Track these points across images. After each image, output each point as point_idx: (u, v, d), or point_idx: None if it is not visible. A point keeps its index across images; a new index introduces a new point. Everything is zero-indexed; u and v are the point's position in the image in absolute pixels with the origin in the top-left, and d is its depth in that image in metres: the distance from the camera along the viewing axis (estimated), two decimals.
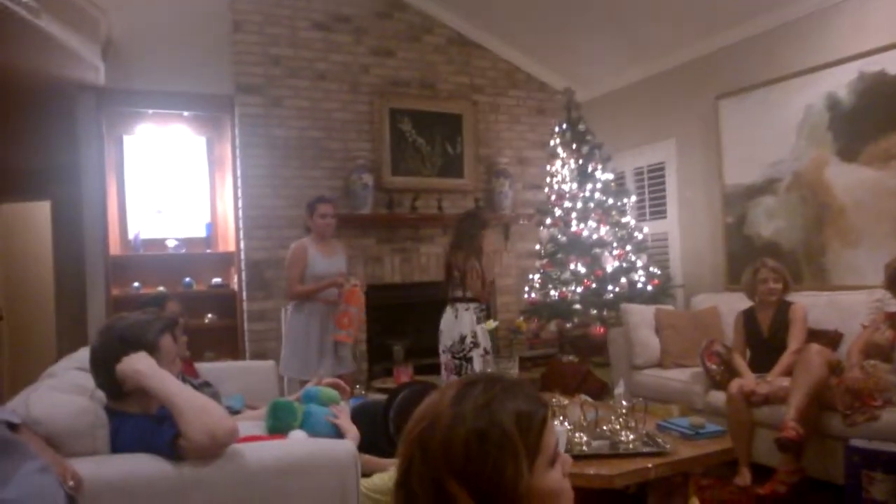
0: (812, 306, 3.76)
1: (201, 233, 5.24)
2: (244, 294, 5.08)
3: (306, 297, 4.06)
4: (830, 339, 3.63)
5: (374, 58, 5.57)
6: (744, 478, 3.35)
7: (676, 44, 5.11)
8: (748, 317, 3.87)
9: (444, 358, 4.41)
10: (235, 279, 5.21)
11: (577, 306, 4.92)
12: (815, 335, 3.63)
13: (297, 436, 2.17)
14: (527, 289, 5.40)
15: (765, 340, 3.74)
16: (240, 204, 5.10)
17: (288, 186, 5.17)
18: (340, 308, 4.01)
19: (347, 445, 1.98)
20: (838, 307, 3.77)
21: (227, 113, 5.21)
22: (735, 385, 3.52)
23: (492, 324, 4.51)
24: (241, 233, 5.09)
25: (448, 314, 4.41)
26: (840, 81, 4.07)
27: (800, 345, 3.46)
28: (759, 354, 3.75)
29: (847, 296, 3.82)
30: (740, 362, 3.72)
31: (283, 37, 5.23)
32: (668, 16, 4.84)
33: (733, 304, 4.15)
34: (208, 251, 5.26)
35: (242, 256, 5.09)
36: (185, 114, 5.22)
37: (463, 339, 4.32)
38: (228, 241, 5.30)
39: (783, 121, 4.40)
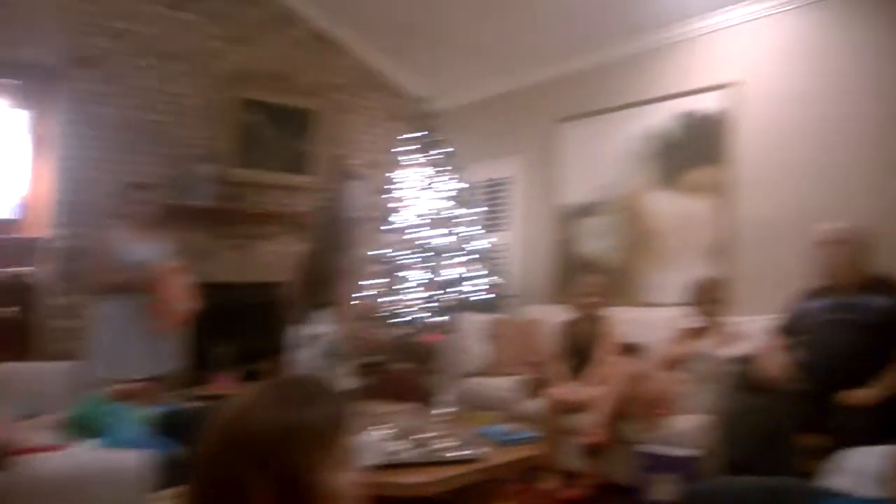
0: (623, 321, 4.02)
1: (11, 215, 4.75)
2: (51, 286, 4.55)
3: (118, 288, 3.67)
4: (637, 351, 3.89)
5: (229, 44, 5.32)
6: (551, 482, 3.49)
7: (528, 65, 5.34)
8: (568, 328, 4.07)
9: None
10: (41, 268, 4.69)
11: (416, 314, 4.94)
12: (625, 347, 3.88)
13: (85, 446, 2.00)
14: (365, 294, 5.36)
15: (580, 351, 3.94)
16: (61, 186, 4.62)
17: (118, 172, 4.72)
18: (156, 297, 3.71)
19: (136, 457, 1.84)
20: (645, 322, 4.05)
21: (55, 86, 4.73)
22: (550, 393, 3.68)
23: (332, 329, 4.41)
24: (59, 218, 4.61)
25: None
26: (663, 116, 4.43)
27: (609, 356, 3.68)
28: (575, 364, 3.94)
29: (654, 312, 4.14)
30: (557, 371, 3.90)
31: (125, 9, 4.82)
32: (520, 39, 5.05)
33: (560, 316, 4.33)
34: (13, 236, 4.73)
35: (58, 244, 4.61)
36: (3, 81, 4.70)
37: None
38: (41, 225, 4.79)
39: (614, 148, 4.72)
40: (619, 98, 4.74)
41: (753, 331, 3.34)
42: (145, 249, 3.78)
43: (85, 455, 1.92)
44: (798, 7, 3.89)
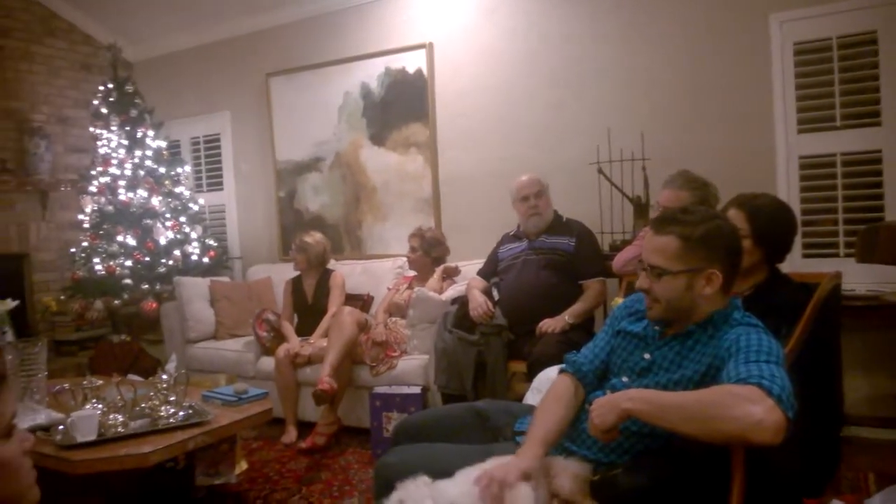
0: (349, 274, 4.22)
1: None
2: None
3: None
4: (364, 301, 4.12)
5: None
6: (290, 435, 3.59)
7: (230, 15, 5.09)
8: (295, 285, 4.13)
9: None
10: None
11: (128, 281, 4.57)
12: (352, 299, 4.08)
13: None
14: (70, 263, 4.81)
15: (309, 306, 4.04)
16: None
17: None
18: None
19: None
20: (371, 273, 4.31)
21: None
22: (282, 349, 3.73)
23: (8, 303, 3.88)
24: None
25: None
26: (371, 74, 4.60)
27: (337, 308, 3.83)
28: (304, 319, 4.04)
29: (377, 263, 4.40)
30: (287, 328, 3.96)
31: None
32: None
33: (286, 274, 4.36)
34: None
35: None
36: None
37: None
38: None
39: (327, 104, 4.78)
40: (328, 53, 4.80)
41: (464, 274, 3.75)
42: None
43: None
44: None
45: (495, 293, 3.41)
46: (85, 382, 2.63)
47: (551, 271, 3.28)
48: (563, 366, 1.85)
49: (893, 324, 3.10)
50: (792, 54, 3.45)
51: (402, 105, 4.52)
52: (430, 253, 3.91)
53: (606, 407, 1.50)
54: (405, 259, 4.07)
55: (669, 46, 3.76)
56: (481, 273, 3.54)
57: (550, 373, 2.32)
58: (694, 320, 1.63)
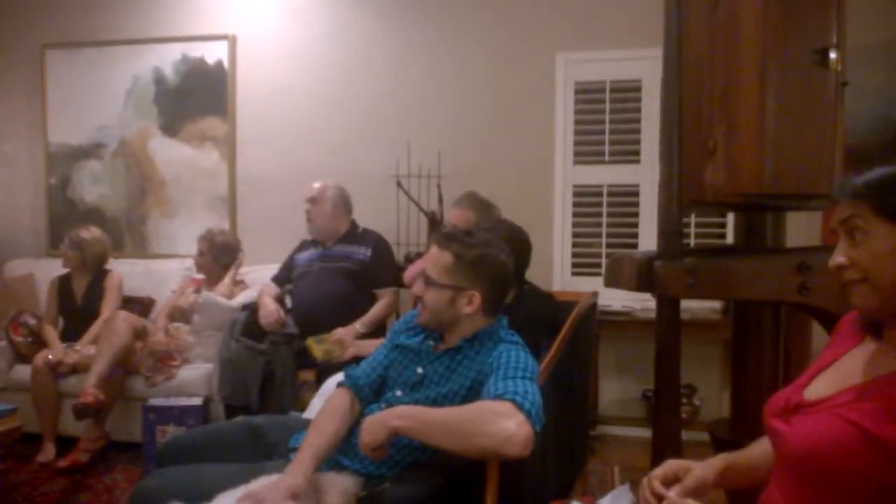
0: (130, 274, 3.89)
1: None
2: None
3: None
4: (144, 305, 3.83)
5: None
6: (46, 453, 3.23)
7: None
8: (63, 284, 3.73)
9: None
10: None
11: None
12: (130, 302, 3.77)
13: None
14: None
15: (79, 309, 3.67)
16: None
17: None
18: None
19: None
20: (154, 274, 4.01)
21: None
22: (41, 356, 3.36)
23: None
24: None
25: None
26: (166, 60, 4.31)
27: (111, 313, 3.52)
28: (72, 323, 3.66)
29: (162, 264, 4.11)
30: (50, 332, 3.56)
31: None
32: None
33: (53, 271, 3.92)
34: None
35: None
36: None
37: None
38: None
39: (113, 86, 4.40)
40: (119, 31, 4.41)
41: (257, 280, 3.64)
42: None
43: None
44: None
45: (288, 301, 3.34)
46: None
47: (345, 280, 3.29)
48: (341, 379, 1.87)
49: (643, 336, 3.53)
50: (573, 92, 3.81)
51: (199, 96, 4.28)
52: (218, 259, 3.73)
53: (376, 425, 1.55)
54: (192, 260, 3.85)
55: (470, 69, 3.97)
56: (275, 279, 3.45)
57: (334, 381, 2.33)
58: (461, 335, 1.74)
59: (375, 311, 3.27)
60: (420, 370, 1.77)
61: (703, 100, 1.72)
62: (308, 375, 3.10)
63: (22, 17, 4.59)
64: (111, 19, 4.42)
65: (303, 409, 2.65)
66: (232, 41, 4.23)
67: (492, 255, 1.77)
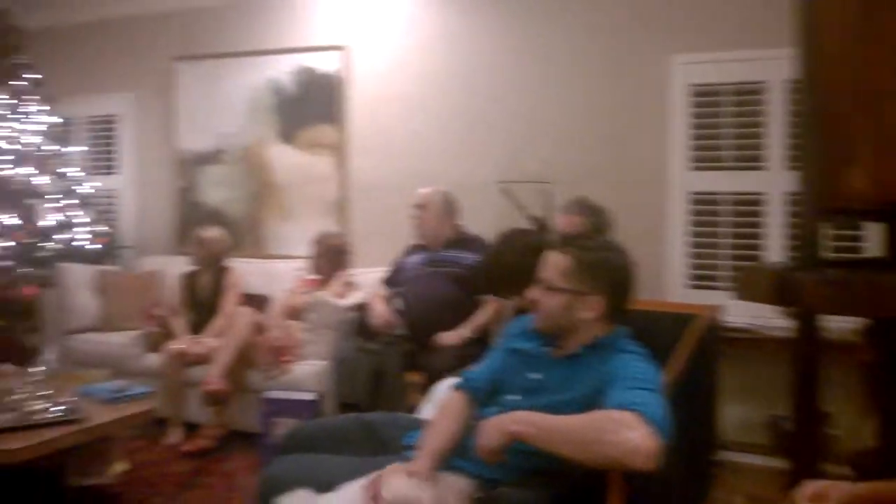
0: (248, 272, 4.11)
1: None
2: None
3: None
4: (260, 302, 4.02)
5: None
6: (174, 436, 3.46)
7: None
8: (189, 280, 3.98)
9: None
10: None
11: (5, 263, 4.25)
12: (248, 299, 3.97)
13: None
14: None
15: (203, 303, 3.91)
16: None
17: None
18: None
19: None
20: (269, 274, 4.21)
21: None
22: (171, 346, 3.59)
23: None
24: None
25: None
26: (284, 70, 4.52)
27: (232, 308, 3.73)
28: (198, 316, 3.90)
29: (277, 264, 4.31)
30: (178, 324, 3.81)
31: None
32: None
33: (182, 268, 4.19)
34: None
35: None
36: None
37: None
38: None
39: (235, 95, 4.65)
40: (242, 44, 4.66)
41: (367, 282, 3.74)
42: None
43: None
44: None
45: (398, 303, 3.42)
46: None
47: (452, 284, 3.33)
48: (457, 382, 1.89)
49: (770, 356, 3.33)
50: (690, 95, 3.67)
51: (313, 105, 4.46)
52: (332, 260, 3.87)
53: (493, 429, 1.55)
54: (306, 261, 4.01)
55: (580, 72, 3.92)
56: (385, 281, 3.54)
57: (445, 385, 2.36)
58: (580, 342, 1.72)
59: (482, 316, 3.28)
60: (537, 375, 1.76)
61: (842, 100, 1.61)
62: (416, 378, 3.15)
63: (155, 33, 4.95)
64: (234, 34, 4.69)
65: (410, 409, 2.70)
66: (345, 51, 4.38)
67: (613, 258, 1.74)
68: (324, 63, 4.42)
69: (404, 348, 3.20)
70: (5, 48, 4.58)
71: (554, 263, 1.74)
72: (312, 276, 3.90)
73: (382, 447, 1.93)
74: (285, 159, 4.54)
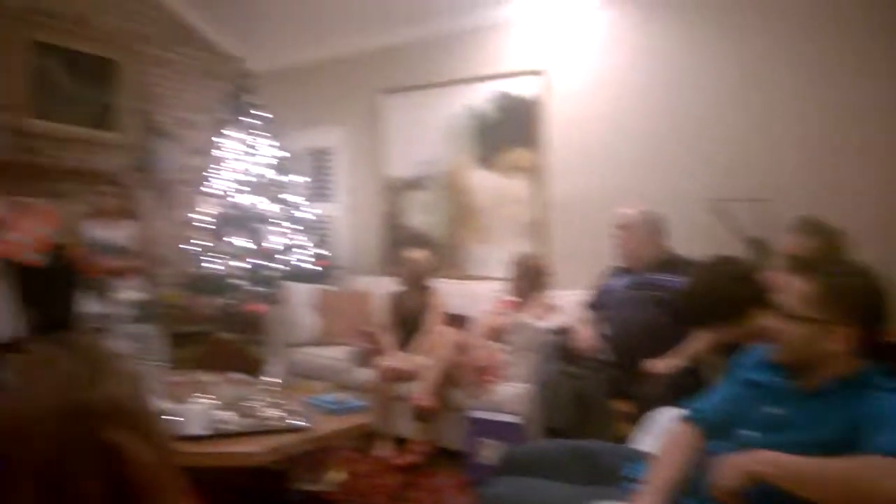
0: (449, 293, 4.25)
1: None
2: None
3: None
4: (461, 322, 4.14)
5: None
6: (383, 449, 3.64)
7: (349, 33, 5.27)
8: (396, 299, 4.20)
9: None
10: None
11: (238, 282, 4.78)
12: (450, 318, 4.11)
13: None
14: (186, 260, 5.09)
15: (409, 322, 4.09)
16: None
17: None
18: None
19: None
20: (469, 294, 4.33)
21: None
22: (381, 362, 3.80)
23: (136, 295, 4.16)
24: None
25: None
26: (482, 97, 4.66)
27: (436, 327, 3.86)
28: (404, 334, 4.09)
29: (477, 285, 4.42)
30: (387, 341, 4.02)
31: None
32: (343, 4, 4.97)
33: (389, 288, 4.43)
34: None
35: None
36: None
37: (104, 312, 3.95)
38: None
39: (435, 124, 4.88)
40: (441, 74, 4.88)
41: (567, 304, 3.70)
42: None
43: None
44: (602, 1, 4.25)
45: (601, 327, 3.34)
46: (197, 377, 2.76)
47: (659, 309, 3.18)
48: (686, 413, 1.79)
49: None
50: None
51: (510, 129, 4.54)
52: (531, 282, 3.88)
53: (733, 468, 1.44)
54: (505, 283, 4.07)
55: (803, 76, 3.60)
56: (586, 305, 3.48)
57: (664, 416, 2.25)
58: (828, 376, 1.55)
59: (694, 344, 3.09)
60: (778, 410, 1.61)
61: None
62: (622, 406, 3.05)
63: (364, 70, 5.34)
64: (436, 65, 4.92)
65: (618, 438, 2.61)
66: (543, 75, 4.42)
67: (864, 284, 1.56)
68: (522, 87, 4.50)
69: (609, 374, 3.11)
70: (242, 90, 5.18)
71: (795, 289, 1.58)
72: (511, 298, 3.95)
73: (601, 477, 1.88)
74: (483, 183, 4.66)
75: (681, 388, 2.43)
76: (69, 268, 4.23)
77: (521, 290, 3.90)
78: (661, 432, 2.11)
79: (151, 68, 5.50)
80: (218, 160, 5.07)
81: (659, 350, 3.06)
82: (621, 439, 2.50)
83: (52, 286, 4.56)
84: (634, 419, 2.73)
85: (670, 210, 3.56)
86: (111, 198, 4.04)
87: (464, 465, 3.38)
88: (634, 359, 3.06)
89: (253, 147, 5.04)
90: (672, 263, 3.31)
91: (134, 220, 4.17)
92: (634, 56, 4.14)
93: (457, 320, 4.13)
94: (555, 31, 4.43)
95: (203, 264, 4.92)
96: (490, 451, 3.22)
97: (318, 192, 5.68)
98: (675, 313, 3.15)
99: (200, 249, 4.99)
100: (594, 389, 3.06)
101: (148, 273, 4.39)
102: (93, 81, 5.05)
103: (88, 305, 4.06)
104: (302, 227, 5.09)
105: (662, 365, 2.96)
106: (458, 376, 3.60)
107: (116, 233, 4.05)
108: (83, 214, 4.19)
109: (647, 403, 2.64)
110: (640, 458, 1.88)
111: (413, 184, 5.02)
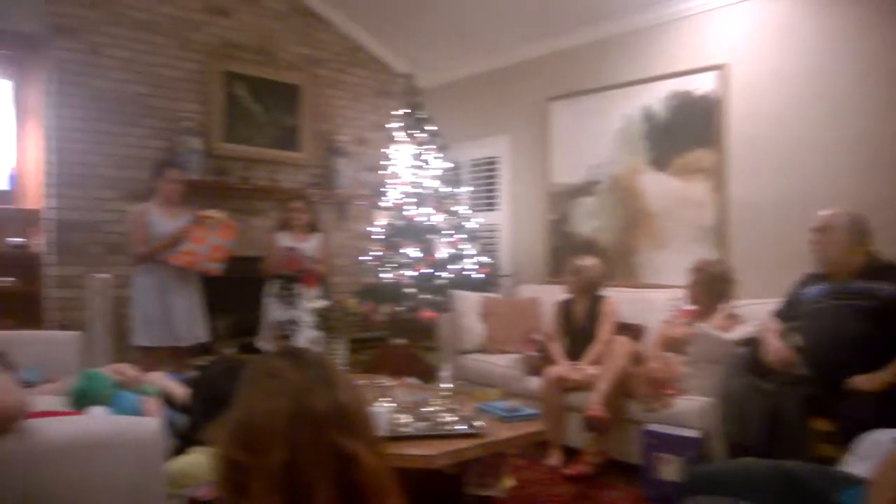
0: (621, 301, 4.09)
1: (2, 185, 4.59)
2: (51, 257, 4.52)
3: (152, 256, 3.91)
4: (635, 332, 3.97)
5: (207, 15, 5.19)
6: (554, 459, 3.58)
7: (514, 43, 5.31)
8: (565, 307, 4.12)
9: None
10: (40, 240, 4.61)
11: (409, 290, 4.96)
12: (622, 328, 3.96)
13: (97, 412, 1.99)
14: (360, 270, 5.37)
15: (579, 330, 4.00)
16: (50, 158, 4.51)
17: (107, 143, 4.68)
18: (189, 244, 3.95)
19: (151, 424, 1.83)
20: (644, 303, 4.14)
21: (38, 55, 4.57)
22: (550, 371, 3.74)
23: (318, 303, 4.41)
24: (50, 189, 4.52)
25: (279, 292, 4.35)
26: (655, 97, 4.46)
27: (608, 336, 3.74)
28: (573, 343, 4.01)
29: (651, 293, 4.22)
30: (556, 350, 3.96)
31: None
32: (507, 15, 5.01)
33: (554, 295, 4.39)
34: (9, 206, 4.60)
35: (51, 215, 4.51)
36: None
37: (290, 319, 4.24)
38: (34, 197, 4.67)
39: (605, 127, 4.74)
40: (609, 77, 4.75)
41: (752, 314, 3.42)
42: (175, 223, 4.01)
43: (99, 420, 1.90)
44: None
45: (795, 339, 3.04)
46: (377, 381, 2.87)
47: (864, 320, 2.84)
48: None
49: None
50: None
51: (686, 129, 4.31)
52: (712, 289, 3.64)
53: None
54: (683, 291, 3.85)
55: None
56: (778, 314, 3.19)
57: (880, 439, 2.00)
58: None
59: None
60: None
61: None
62: (822, 425, 2.75)
63: (532, 77, 5.34)
64: (605, 68, 4.80)
65: (816, 460, 2.36)
66: (722, 70, 4.15)
67: None
68: (698, 85, 4.26)
69: (806, 390, 2.82)
70: (412, 106, 5.39)
71: None
72: (690, 307, 3.73)
73: (804, 502, 1.70)
74: (657, 186, 4.46)
75: (892, 407, 2.15)
76: (257, 277, 4.61)
77: (701, 299, 3.67)
78: (876, 455, 1.88)
79: (329, 90, 5.89)
80: (391, 174, 5.30)
81: (863, 365, 2.74)
82: (821, 461, 2.26)
83: (240, 294, 5.02)
84: (836, 440, 2.46)
85: (872, 211, 3.16)
86: (299, 213, 4.36)
87: (639, 480, 3.23)
88: (835, 374, 2.76)
89: (423, 160, 5.22)
90: (880, 270, 2.95)
91: (317, 233, 4.47)
92: (819, 42, 3.77)
93: (630, 330, 3.98)
94: (732, 22, 4.15)
95: (378, 273, 5.15)
96: (668, 467, 3.05)
97: (484, 200, 5.76)
98: (884, 323, 2.81)
99: (376, 259, 5.24)
100: (789, 406, 2.78)
101: (328, 282, 4.68)
102: (277, 106, 5.51)
103: (275, 312, 4.38)
104: (468, 237, 5.18)
105: (870, 381, 2.64)
106: (632, 387, 3.46)
107: (304, 245, 4.36)
108: (274, 228, 4.57)
109: (853, 423, 2.37)
110: (855, 483, 1.68)
111: (581, 190, 4.92)
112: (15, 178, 4.67)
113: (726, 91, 4.14)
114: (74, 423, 1.82)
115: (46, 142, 4.58)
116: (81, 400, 2.07)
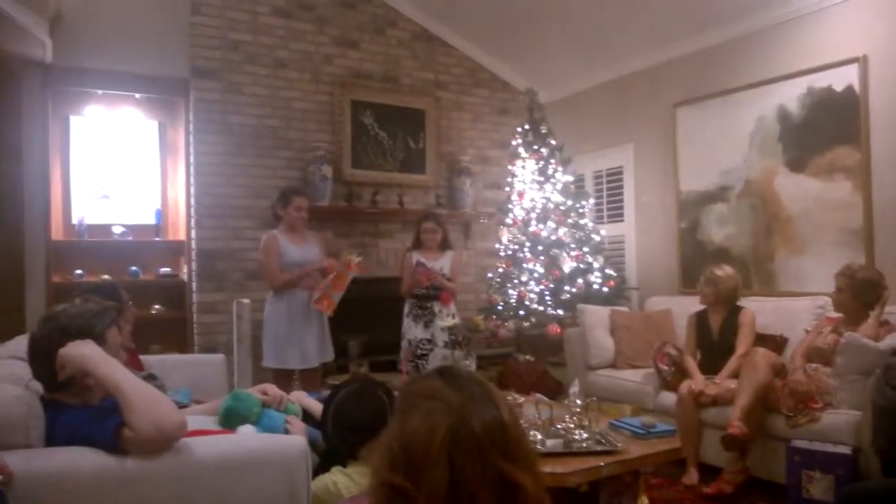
0: (760, 311, 3.87)
1: (150, 220, 5.07)
2: (194, 285, 4.95)
3: (289, 286, 4.05)
4: (776, 343, 3.74)
5: (337, 48, 5.52)
6: (691, 477, 3.42)
7: (636, 50, 5.20)
8: (700, 319, 3.95)
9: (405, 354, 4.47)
10: (185, 269, 5.07)
11: (535, 306, 4.94)
12: (761, 339, 3.74)
13: (246, 430, 2.12)
14: (486, 287, 5.43)
15: (715, 343, 3.82)
16: (192, 192, 4.97)
17: (243, 175, 5.08)
18: (327, 282, 4.04)
19: (298, 442, 1.93)
20: (784, 312, 3.89)
21: (182, 97, 5.06)
22: (685, 386, 3.59)
23: (450, 321, 4.50)
24: (193, 221, 4.96)
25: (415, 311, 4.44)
26: (790, 95, 4.21)
27: (747, 348, 3.55)
28: (709, 357, 3.83)
29: (792, 302, 3.95)
30: (691, 364, 3.79)
31: (242, 21, 5.13)
32: (628, 23, 4.93)
33: (686, 307, 4.23)
34: (157, 239, 5.08)
35: (193, 246, 4.96)
36: (137, 96, 5.02)
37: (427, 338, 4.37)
38: (179, 229, 5.15)
39: (736, 130, 4.52)
40: (739, 79, 4.54)
41: None
42: (303, 249, 4.14)
43: (249, 438, 2.02)
44: None
45: None
46: (509, 398, 2.86)
47: None
48: None
49: None
50: None
51: (826, 127, 4.02)
52: (861, 295, 3.35)
53: None
54: (828, 298, 3.58)
55: None
56: None
57: None
58: None
59: None
60: None
61: None
62: None
63: (655, 84, 5.20)
64: (734, 69, 4.59)
65: None
66: (863, 62, 3.85)
67: None
68: (837, 79, 3.97)
69: None
70: (533, 121, 5.41)
71: None
72: (837, 315, 3.45)
73: None
74: (795, 188, 4.19)
75: None
76: (386, 297, 4.76)
77: (849, 306, 3.39)
78: None
79: (452, 112, 6.05)
80: (515, 191, 5.33)
81: None
82: None
83: (371, 314, 5.21)
84: None
85: None
86: (432, 233, 4.44)
87: (783, 500, 3.02)
88: None
89: (546, 175, 5.21)
90: None
91: (449, 251, 4.55)
92: None
93: (770, 341, 3.74)
94: (867, 12, 3.85)
95: (504, 290, 5.18)
96: (818, 485, 2.83)
97: (608, 212, 5.65)
98: None
99: (501, 276, 5.28)
100: None
101: (457, 300, 4.74)
102: (402, 130, 5.73)
103: (412, 331, 4.47)
104: (593, 249, 5.10)
105: None
106: (774, 402, 3.24)
107: (437, 263, 4.43)
108: (407, 249, 4.65)
109: None
110: None
111: (712, 196, 4.71)
112: (161, 213, 5.12)
113: (866, 84, 3.84)
114: (226, 441, 1.93)
115: (188, 177, 5.03)
116: (230, 419, 2.20)
